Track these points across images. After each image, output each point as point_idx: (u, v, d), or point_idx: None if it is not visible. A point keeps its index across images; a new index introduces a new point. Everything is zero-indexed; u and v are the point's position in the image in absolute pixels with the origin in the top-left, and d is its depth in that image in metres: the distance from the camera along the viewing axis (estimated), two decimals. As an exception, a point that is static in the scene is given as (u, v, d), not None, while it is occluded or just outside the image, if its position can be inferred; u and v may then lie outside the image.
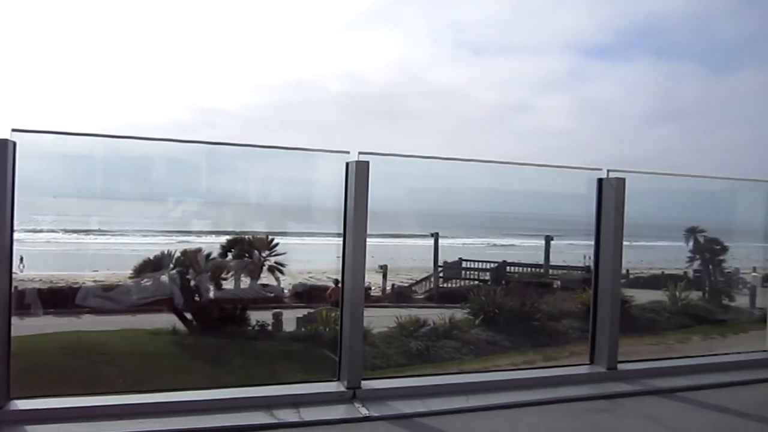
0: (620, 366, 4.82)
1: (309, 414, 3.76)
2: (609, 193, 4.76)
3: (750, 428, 4.11)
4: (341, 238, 4.14)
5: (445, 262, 25.10)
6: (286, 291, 16.68)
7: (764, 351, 5.84)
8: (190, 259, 13.63)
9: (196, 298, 13.67)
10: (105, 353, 10.98)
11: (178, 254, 13.91)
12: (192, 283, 13.73)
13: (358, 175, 3.97)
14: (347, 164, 4.07)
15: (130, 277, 13.86)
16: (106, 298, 13.18)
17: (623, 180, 4.74)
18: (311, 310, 15.15)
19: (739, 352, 5.99)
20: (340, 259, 4.13)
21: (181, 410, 3.74)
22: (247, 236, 15.43)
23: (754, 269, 18.15)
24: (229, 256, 14.95)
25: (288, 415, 3.72)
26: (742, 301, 19.22)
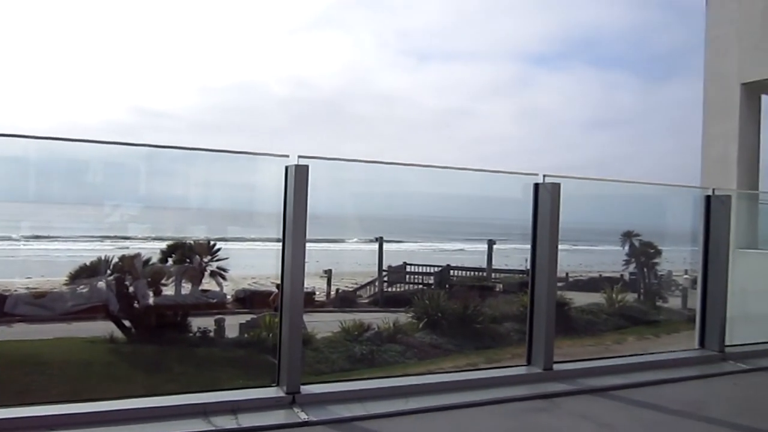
0: (556, 366, 4.92)
1: (247, 420, 3.70)
2: (545, 198, 4.87)
3: (679, 424, 4.26)
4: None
5: (389, 267, 25.18)
6: (228, 296, 16.45)
7: (694, 349, 6.06)
8: (128, 264, 13.30)
9: (135, 305, 13.33)
10: (38, 363, 10.60)
11: (116, 260, 13.56)
12: (131, 289, 13.39)
13: (297, 178, 3.95)
14: (286, 168, 4.04)
15: (64, 284, 13.42)
16: (38, 305, 12.69)
17: (558, 185, 4.85)
18: (254, 316, 14.98)
19: (669, 351, 6.20)
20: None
21: (115, 419, 3.63)
22: (188, 241, 15.17)
23: (686, 272, 18.91)
24: (170, 261, 14.65)
25: (225, 422, 3.65)
26: (674, 302, 19.99)
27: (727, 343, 5.96)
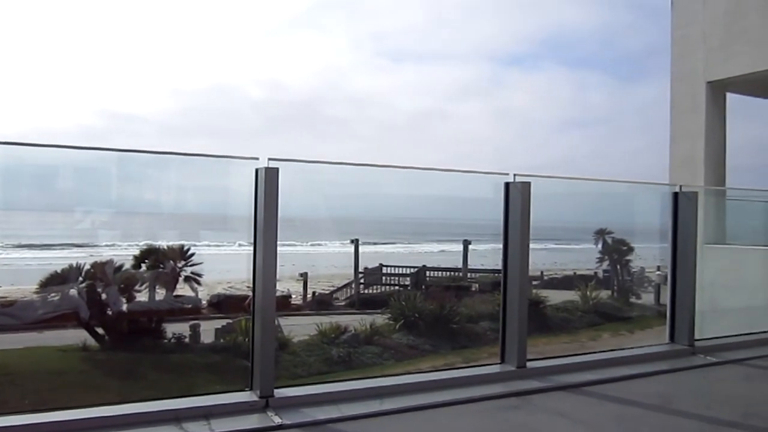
0: (529, 364, 4.97)
1: (220, 425, 3.68)
2: (515, 197, 4.91)
3: (650, 417, 4.32)
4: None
5: (365, 268, 25.19)
6: (203, 302, 16.30)
7: (664, 344, 6.16)
8: (100, 271, 13.11)
9: (108, 312, 13.15)
10: (8, 373, 10.40)
11: (88, 267, 13.35)
12: (103, 296, 13.21)
13: (267, 181, 3.94)
14: (256, 171, 4.03)
15: (35, 292, 13.17)
16: (6, 314, 12.44)
17: (528, 184, 4.90)
18: (230, 321, 14.86)
19: (641, 346, 6.28)
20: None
21: (86, 428, 3.58)
22: (161, 246, 15.00)
23: (658, 268, 19.17)
24: (143, 267, 14.48)
25: (198, 428, 3.63)
26: (647, 298, 20.27)
27: (697, 337, 6.07)
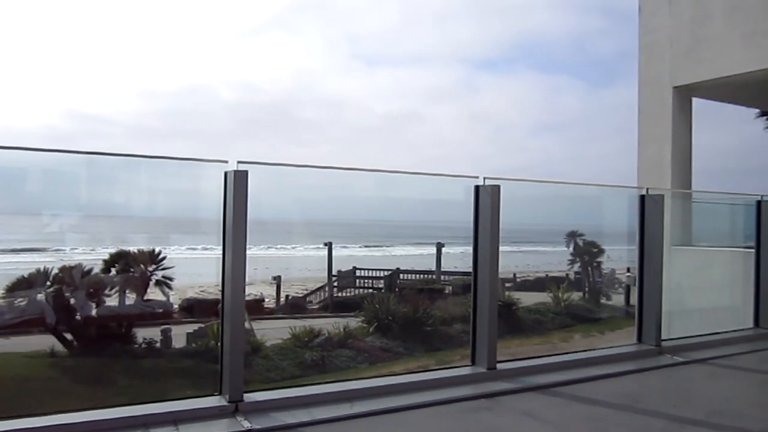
0: (500, 366, 5.01)
1: (188, 431, 3.65)
2: (485, 200, 4.95)
3: (617, 417, 4.38)
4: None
5: (339, 272, 25.14)
6: (175, 306, 16.12)
7: (632, 344, 6.25)
8: (68, 275, 12.89)
9: (77, 317, 12.94)
10: (-28, 380, 10.18)
11: (56, 271, 13.13)
12: (72, 301, 13.00)
13: (236, 184, 3.92)
14: (225, 174, 4.01)
15: (1, 297, 12.91)
16: (-30, 320, 12.18)
17: (498, 187, 4.94)
18: (202, 325, 14.73)
19: (609, 347, 6.37)
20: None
21: (52, 436, 3.52)
22: (131, 250, 14.80)
23: (628, 270, 19.43)
24: (113, 271, 14.28)
25: (166, 434, 3.60)
26: (618, 299, 20.53)
27: (664, 337, 6.18)
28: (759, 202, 7.33)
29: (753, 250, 7.38)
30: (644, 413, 4.44)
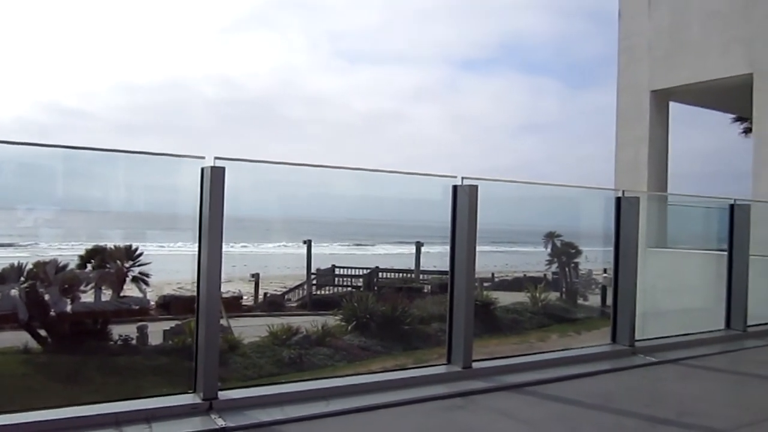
0: (475, 364, 5.03)
1: (161, 429, 3.61)
2: (463, 200, 4.97)
3: (590, 416, 4.43)
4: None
5: (318, 270, 25.10)
6: (152, 303, 15.98)
7: (606, 344, 6.32)
8: (43, 271, 12.73)
9: (51, 313, 12.78)
10: (-58, 377, 10.02)
11: (30, 266, 12.96)
12: (47, 297, 12.84)
13: (213, 180, 3.89)
14: (202, 170, 3.98)
15: (-29, 293, 12.70)
16: (-58, 316, 11.98)
17: (476, 187, 4.96)
18: (179, 322, 14.63)
19: (584, 347, 6.43)
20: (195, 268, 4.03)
21: (21, 433, 3.48)
22: (108, 246, 14.65)
23: (605, 270, 19.67)
24: (89, 267, 14.12)
25: None
26: (594, 300, 20.77)
27: (638, 337, 6.25)
28: (732, 206, 7.45)
29: (726, 253, 7.50)
30: (617, 412, 4.50)
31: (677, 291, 9.47)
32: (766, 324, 7.71)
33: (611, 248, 6.31)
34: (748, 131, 14.88)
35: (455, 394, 4.61)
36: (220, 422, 3.75)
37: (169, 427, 3.65)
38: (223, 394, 4.01)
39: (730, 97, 11.24)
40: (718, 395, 5.10)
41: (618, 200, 6.24)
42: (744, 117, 14.94)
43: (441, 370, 5.01)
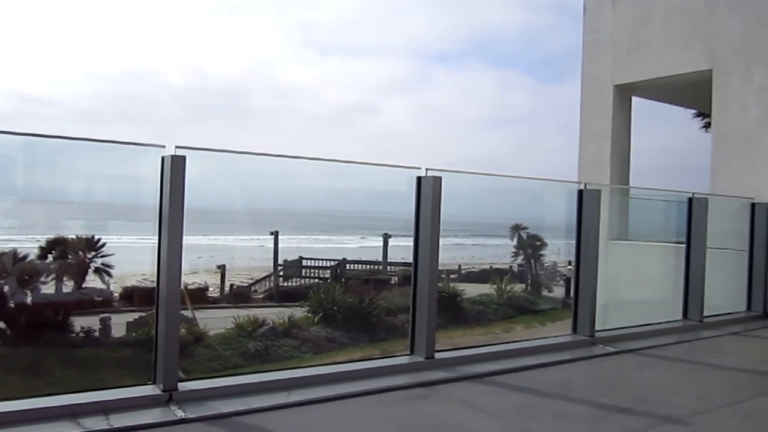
0: (438, 355, 5.07)
1: (119, 420, 3.57)
2: (427, 191, 5.00)
3: (549, 405, 4.50)
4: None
5: (285, 261, 25.00)
6: (115, 294, 15.76)
7: (567, 335, 6.42)
8: (2, 262, 12.46)
9: (10, 305, 12.52)
10: None
11: (-12, 257, 12.66)
12: (6, 288, 12.57)
13: (173, 170, 3.84)
14: (162, 159, 3.93)
15: (-73, 284, 12.37)
16: None
17: (440, 179, 4.99)
18: (143, 314, 14.43)
19: (544, 337, 6.53)
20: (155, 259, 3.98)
21: (-27, 426, 3.40)
22: (69, 237, 14.38)
23: (569, 263, 19.94)
24: (50, 258, 13.85)
25: (96, 423, 3.50)
26: (559, 291, 21.06)
27: (599, 328, 6.37)
28: (690, 199, 7.62)
29: (684, 246, 7.67)
30: (574, 401, 4.58)
31: (637, 282, 9.66)
32: (721, 315, 7.94)
33: (570, 241, 6.40)
34: (708, 126, 15.22)
35: (417, 384, 4.64)
36: (180, 413, 3.73)
37: (127, 419, 3.61)
38: (184, 386, 3.98)
39: (691, 93, 11.47)
40: (674, 384, 5.22)
41: (580, 193, 6.33)
42: (704, 113, 15.28)
43: (404, 360, 5.05)
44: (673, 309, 7.65)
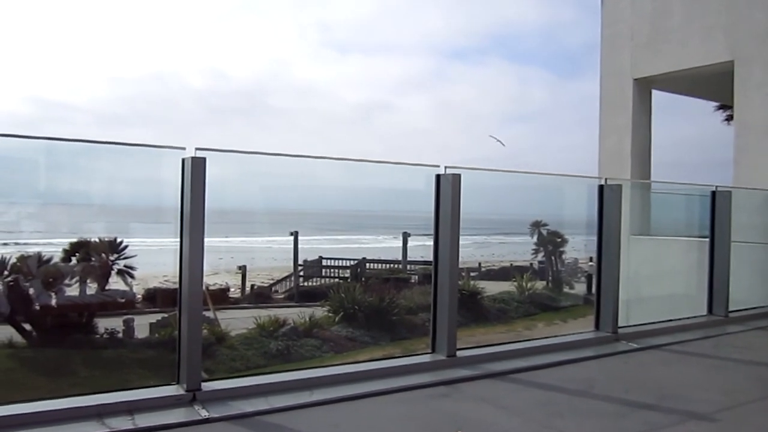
0: (459, 353, 5.06)
1: (144, 420, 3.61)
2: (446, 189, 4.98)
3: (572, 402, 4.47)
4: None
5: (305, 261, 25.08)
6: (138, 296, 15.92)
7: (590, 331, 6.37)
8: (26, 265, 12.64)
9: (35, 307, 12.70)
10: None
11: (14, 260, 12.86)
12: (31, 290, 12.75)
13: (194, 171, 3.87)
14: (183, 161, 3.96)
15: (-45, 288, 12.59)
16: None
17: (459, 176, 4.97)
18: (165, 315, 14.57)
19: (567, 334, 6.48)
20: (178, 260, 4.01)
21: (4, 426, 3.45)
22: (92, 239, 14.55)
23: (591, 259, 19.77)
24: (74, 260, 14.03)
25: (121, 423, 3.55)
26: (580, 288, 20.91)
27: (621, 324, 6.31)
28: (714, 193, 7.51)
29: (707, 240, 7.57)
30: (598, 398, 4.54)
31: (660, 278, 9.55)
32: (747, 309, 7.82)
33: (592, 237, 6.34)
34: (730, 119, 15.00)
35: (439, 382, 4.63)
36: (204, 413, 3.76)
37: (152, 419, 3.65)
38: (207, 386, 4.01)
39: (712, 85, 11.32)
40: (699, 380, 5.15)
41: (601, 188, 6.27)
42: (726, 105, 15.06)
43: (425, 359, 5.03)
44: (698, 304, 7.55)
